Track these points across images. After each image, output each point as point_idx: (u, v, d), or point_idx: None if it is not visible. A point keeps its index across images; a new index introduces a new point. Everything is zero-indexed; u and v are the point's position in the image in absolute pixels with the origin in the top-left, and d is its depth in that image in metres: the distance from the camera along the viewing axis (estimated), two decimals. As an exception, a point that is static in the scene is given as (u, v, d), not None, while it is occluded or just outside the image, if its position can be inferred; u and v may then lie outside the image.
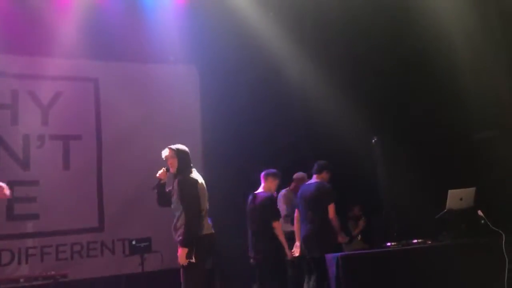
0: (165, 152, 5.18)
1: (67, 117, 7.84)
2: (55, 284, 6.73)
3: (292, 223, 6.64)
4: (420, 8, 7.57)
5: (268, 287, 6.17)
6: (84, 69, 8.10)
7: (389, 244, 5.79)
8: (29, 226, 7.44)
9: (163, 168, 5.25)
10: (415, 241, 5.84)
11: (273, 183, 6.41)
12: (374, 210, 7.83)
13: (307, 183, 6.54)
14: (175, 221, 5.04)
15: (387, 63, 8.03)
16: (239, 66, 8.42)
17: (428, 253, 5.59)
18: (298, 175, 7.19)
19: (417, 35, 7.75)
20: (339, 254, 5.52)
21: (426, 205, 6.57)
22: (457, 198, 5.91)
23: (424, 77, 7.87)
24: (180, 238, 4.89)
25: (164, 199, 5.24)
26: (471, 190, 6.01)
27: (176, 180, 5.09)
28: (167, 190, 5.26)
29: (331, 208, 6.13)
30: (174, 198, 5.09)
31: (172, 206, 5.12)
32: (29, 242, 7.40)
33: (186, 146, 5.29)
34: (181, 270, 4.96)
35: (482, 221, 5.60)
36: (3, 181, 4.75)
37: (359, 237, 7.67)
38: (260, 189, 6.39)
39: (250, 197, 6.38)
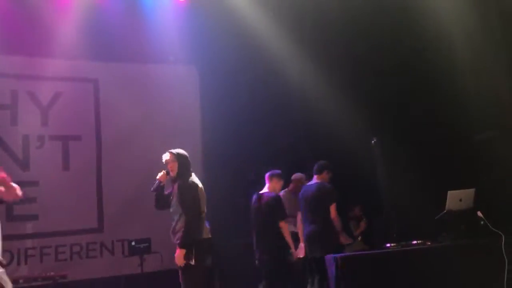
0: (165, 156, 5.20)
1: (67, 117, 7.85)
2: (54, 285, 6.72)
3: (292, 224, 6.64)
4: (420, 8, 7.54)
5: (274, 287, 6.16)
6: (84, 70, 8.10)
7: (388, 245, 5.78)
8: (29, 227, 7.45)
9: (163, 171, 5.27)
10: (414, 242, 5.82)
11: (278, 184, 6.43)
12: (374, 210, 7.82)
13: (308, 184, 6.52)
14: (173, 224, 5.07)
15: (387, 63, 8.01)
16: (239, 66, 8.43)
17: (427, 254, 5.57)
18: (296, 176, 7.18)
19: (417, 35, 7.73)
20: (338, 255, 5.50)
21: (426, 206, 6.56)
22: (457, 199, 5.89)
23: (424, 77, 7.84)
24: (179, 241, 4.92)
25: (162, 202, 5.28)
26: (471, 191, 5.99)
27: (177, 184, 5.13)
28: (166, 193, 5.28)
29: (332, 208, 6.14)
30: (174, 202, 5.11)
31: (171, 209, 5.15)
32: (29, 242, 7.41)
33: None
34: (180, 271, 5.01)
35: (482, 222, 5.58)
36: None
37: (360, 238, 7.66)
38: (265, 189, 6.39)
39: (255, 197, 6.38)
